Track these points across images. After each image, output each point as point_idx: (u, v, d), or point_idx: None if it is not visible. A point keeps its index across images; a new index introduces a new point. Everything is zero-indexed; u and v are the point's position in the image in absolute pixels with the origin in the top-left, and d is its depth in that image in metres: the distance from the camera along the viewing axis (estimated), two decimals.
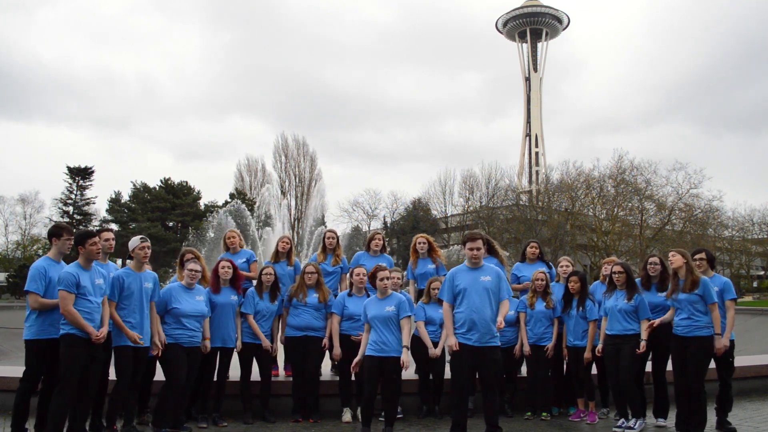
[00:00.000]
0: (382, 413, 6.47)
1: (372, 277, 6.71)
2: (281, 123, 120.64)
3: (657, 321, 6.48)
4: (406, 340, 6.29)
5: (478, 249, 6.01)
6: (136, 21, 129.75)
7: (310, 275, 7.18)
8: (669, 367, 6.88)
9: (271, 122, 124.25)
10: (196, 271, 6.60)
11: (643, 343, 6.45)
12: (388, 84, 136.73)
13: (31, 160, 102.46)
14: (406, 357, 6.19)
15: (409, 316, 6.42)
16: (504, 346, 6.90)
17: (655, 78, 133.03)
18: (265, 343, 7.02)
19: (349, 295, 7.15)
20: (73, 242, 5.89)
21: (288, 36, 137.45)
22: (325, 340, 7.10)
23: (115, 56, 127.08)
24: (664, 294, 6.69)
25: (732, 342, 6.59)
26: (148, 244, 6.27)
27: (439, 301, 7.15)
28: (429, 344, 6.96)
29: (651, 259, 7.14)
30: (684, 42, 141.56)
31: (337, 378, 7.27)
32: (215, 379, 6.89)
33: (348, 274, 7.66)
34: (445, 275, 7.91)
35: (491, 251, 7.62)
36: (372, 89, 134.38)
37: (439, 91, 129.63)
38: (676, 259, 6.38)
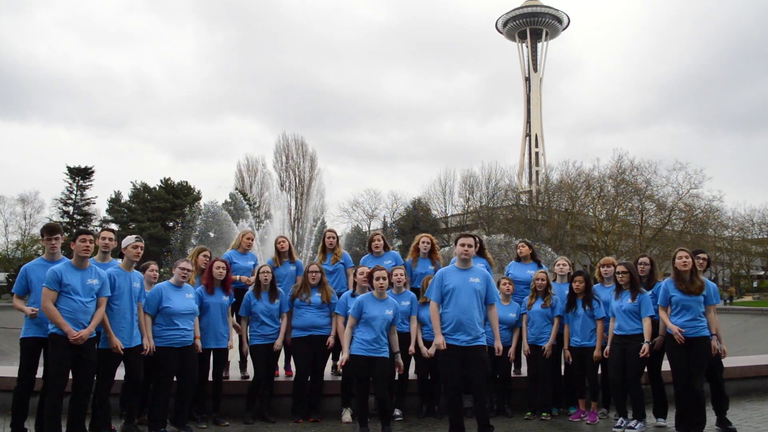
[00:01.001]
0: None
1: (369, 277, 6.70)
2: (278, 123, 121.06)
3: (673, 327, 6.36)
4: (396, 345, 6.42)
5: (470, 246, 6.13)
6: (132, 21, 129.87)
7: (313, 274, 7.18)
8: (665, 367, 6.89)
9: (267, 122, 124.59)
10: (187, 270, 6.59)
11: (646, 346, 6.46)
12: (385, 84, 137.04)
13: (30, 160, 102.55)
14: (400, 361, 6.39)
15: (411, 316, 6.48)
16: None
17: (651, 78, 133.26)
18: (244, 347, 7.18)
19: (353, 295, 7.13)
20: (55, 241, 5.97)
21: (284, 36, 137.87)
22: (330, 339, 7.10)
23: (112, 56, 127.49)
24: (649, 293, 6.75)
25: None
26: (142, 244, 6.26)
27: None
28: (421, 344, 6.96)
29: (641, 259, 7.22)
30: (679, 41, 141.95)
31: (338, 378, 7.28)
32: (211, 379, 6.90)
33: (353, 273, 7.64)
34: None
35: (481, 252, 7.70)
36: (369, 89, 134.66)
37: (436, 91, 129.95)
38: (689, 262, 6.37)
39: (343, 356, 6.39)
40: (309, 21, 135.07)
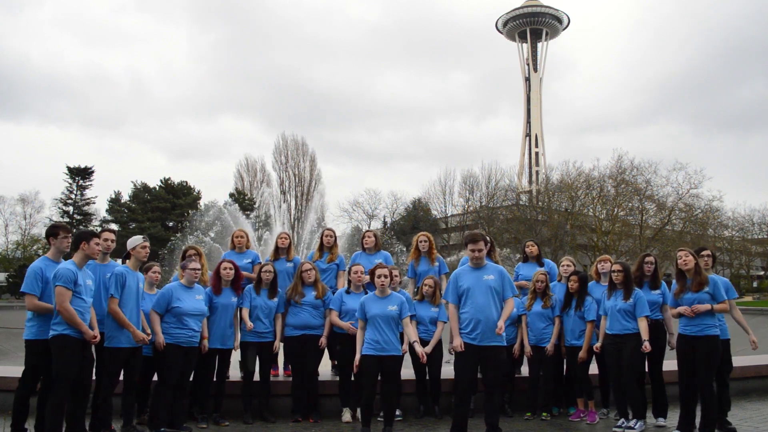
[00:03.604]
0: (381, 413, 6.46)
1: (372, 275, 6.71)
2: (273, 122, 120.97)
3: (678, 311, 6.33)
4: (414, 335, 6.34)
5: (480, 250, 6.03)
6: (125, 21, 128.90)
7: (308, 273, 7.20)
8: (666, 366, 6.90)
9: (263, 122, 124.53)
10: (197, 269, 6.61)
11: (646, 343, 6.44)
12: (380, 83, 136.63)
13: (28, 160, 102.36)
14: (421, 349, 6.24)
15: (412, 316, 6.43)
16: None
17: (646, 77, 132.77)
18: (249, 324, 6.91)
19: (347, 292, 7.17)
20: (71, 240, 5.89)
21: (277, 35, 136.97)
22: (323, 339, 7.11)
23: (106, 56, 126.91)
24: (657, 291, 6.83)
25: (728, 341, 6.61)
26: (149, 244, 6.29)
27: (432, 301, 7.21)
28: (416, 344, 6.95)
29: (647, 258, 7.17)
30: (675, 41, 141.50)
31: (338, 378, 7.28)
32: (215, 379, 6.90)
33: (346, 272, 7.68)
34: (446, 273, 7.96)
35: (490, 252, 7.62)
36: (364, 88, 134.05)
37: (431, 90, 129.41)
38: (689, 260, 6.31)
39: (356, 357, 6.38)
40: (301, 20, 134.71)
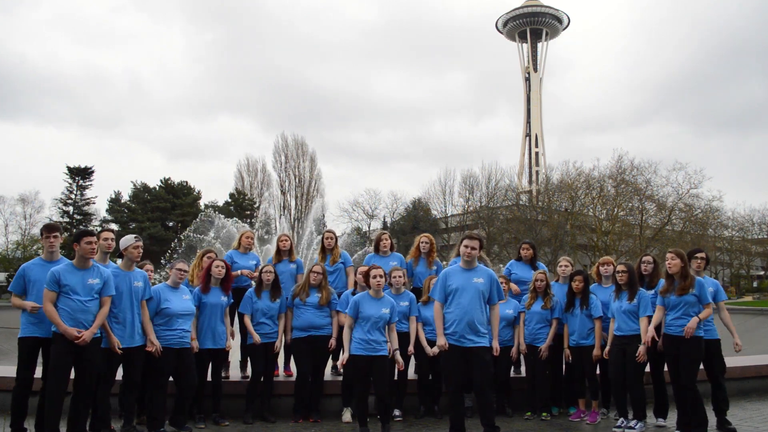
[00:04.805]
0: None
1: (366, 275, 6.69)
2: (270, 122, 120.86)
3: (651, 328, 6.42)
4: (395, 343, 6.39)
5: (473, 248, 6.08)
6: (122, 21, 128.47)
7: (315, 275, 7.18)
8: (666, 366, 6.89)
9: (260, 121, 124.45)
10: (183, 271, 6.61)
11: (642, 348, 6.44)
12: (377, 83, 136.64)
13: (27, 160, 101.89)
14: (400, 359, 6.35)
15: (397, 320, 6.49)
16: (500, 346, 6.89)
17: (644, 77, 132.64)
18: (255, 338, 6.98)
19: (353, 293, 7.14)
20: (54, 239, 6.00)
21: (274, 35, 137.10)
22: (332, 341, 7.10)
23: (103, 56, 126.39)
24: (652, 292, 6.79)
25: (718, 341, 6.63)
26: (141, 243, 6.27)
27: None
28: (424, 344, 6.96)
29: (645, 258, 7.21)
30: (673, 40, 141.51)
31: (338, 378, 7.28)
32: (209, 379, 6.89)
33: (362, 275, 7.58)
34: None
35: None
36: (361, 88, 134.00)
37: (429, 90, 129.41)
38: (674, 263, 6.33)
39: (344, 356, 6.39)
40: (299, 20, 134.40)
